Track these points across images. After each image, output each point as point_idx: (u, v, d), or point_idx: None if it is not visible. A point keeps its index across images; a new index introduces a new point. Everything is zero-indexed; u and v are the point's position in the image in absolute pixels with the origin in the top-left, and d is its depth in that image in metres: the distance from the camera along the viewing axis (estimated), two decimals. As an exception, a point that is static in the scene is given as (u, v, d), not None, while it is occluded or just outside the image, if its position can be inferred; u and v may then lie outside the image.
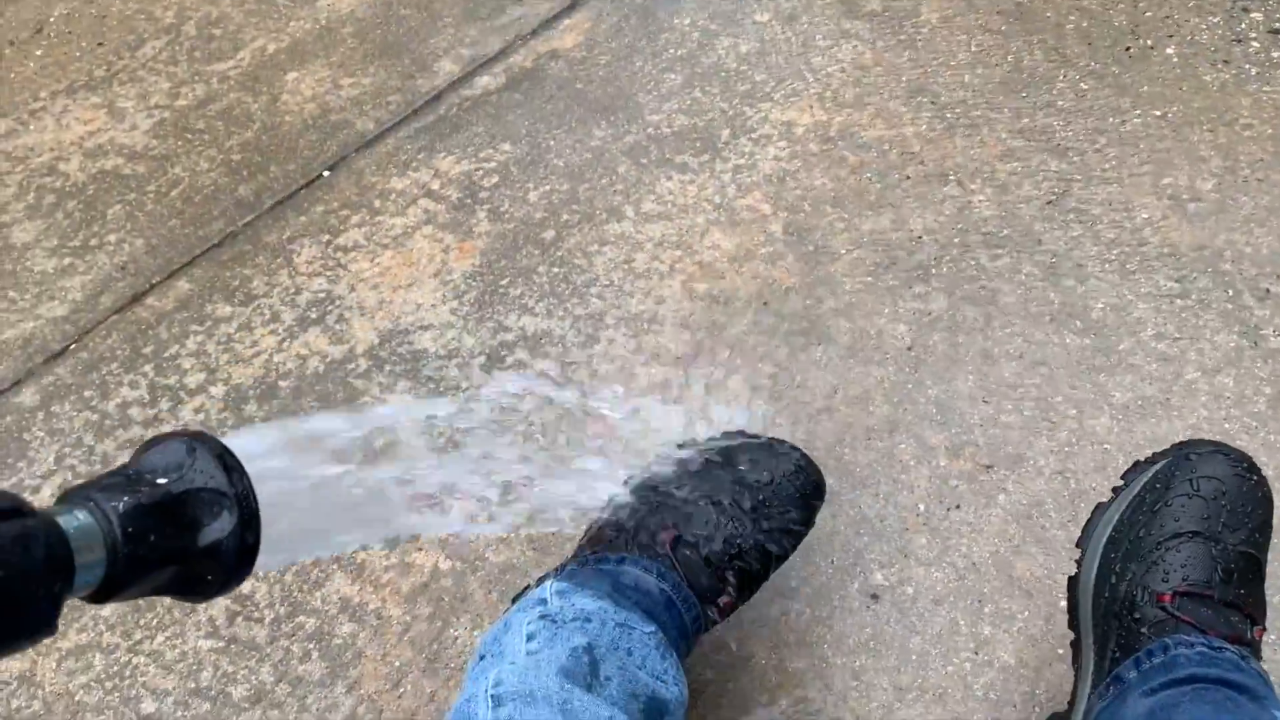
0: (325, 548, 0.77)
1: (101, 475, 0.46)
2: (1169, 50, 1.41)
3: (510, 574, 1.01)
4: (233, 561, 0.45)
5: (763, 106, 1.43)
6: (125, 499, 0.43)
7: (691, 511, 0.81)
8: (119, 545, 0.42)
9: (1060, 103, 1.36)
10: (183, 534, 0.44)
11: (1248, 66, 1.37)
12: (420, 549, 1.04)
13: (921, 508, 1.00)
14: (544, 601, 0.74)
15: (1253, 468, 0.77)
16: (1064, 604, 0.93)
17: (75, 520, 0.41)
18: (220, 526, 0.45)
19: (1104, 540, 0.80)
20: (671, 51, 1.54)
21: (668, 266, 1.26)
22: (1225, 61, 1.38)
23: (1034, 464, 1.02)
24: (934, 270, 1.19)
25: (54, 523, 0.41)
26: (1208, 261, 1.16)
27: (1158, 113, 1.33)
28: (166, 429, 1.19)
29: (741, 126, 1.41)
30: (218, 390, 1.22)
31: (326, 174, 1.44)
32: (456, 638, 0.98)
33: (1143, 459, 0.83)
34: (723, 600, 0.81)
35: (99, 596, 0.43)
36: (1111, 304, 1.13)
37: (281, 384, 1.21)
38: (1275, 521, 0.78)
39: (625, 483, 0.84)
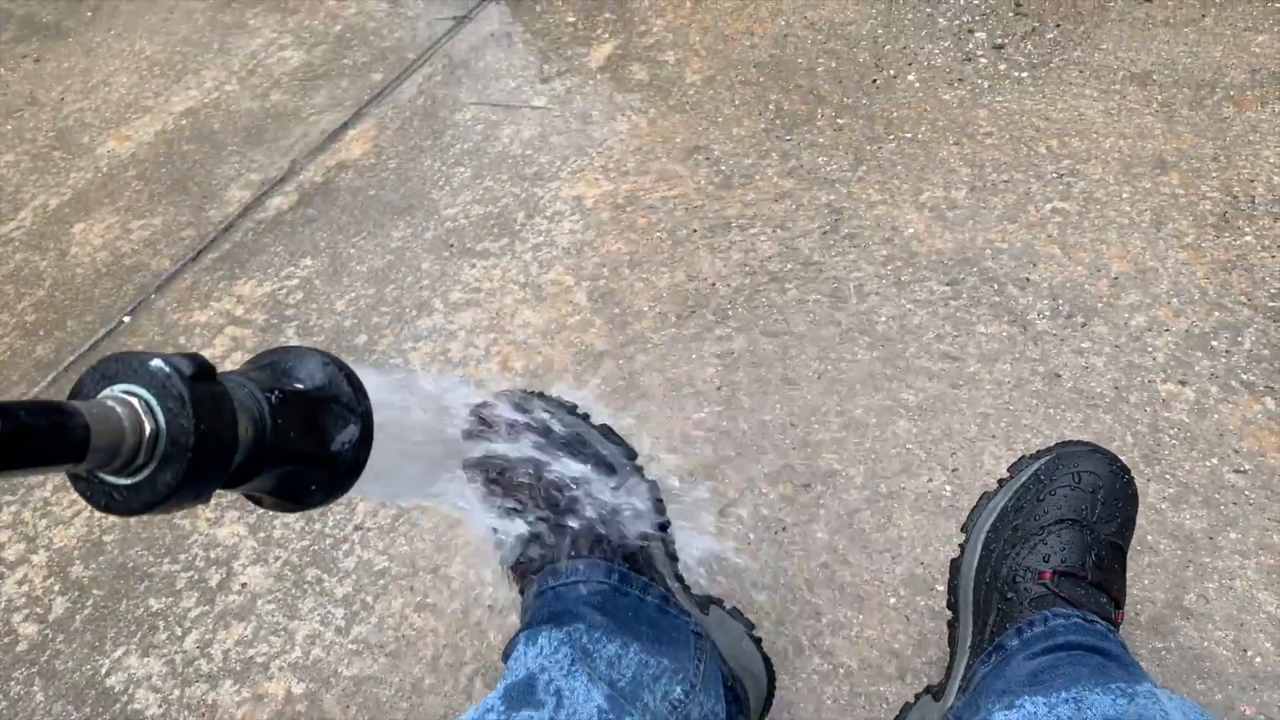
0: (396, 494, 0.77)
1: (248, 366, 0.46)
2: (910, 77, 1.54)
3: (365, 685, 1.01)
4: (343, 474, 0.46)
5: (552, 185, 1.49)
6: (277, 392, 0.43)
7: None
8: (267, 432, 0.42)
9: (821, 140, 1.46)
10: (311, 436, 0.45)
11: (980, 81, 1.51)
12: (270, 678, 1.03)
13: (751, 537, 1.05)
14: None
15: (1125, 469, 0.86)
16: (893, 601, 0.99)
17: (237, 399, 0.41)
18: (343, 438, 0.46)
19: (988, 526, 0.86)
20: (458, 146, 1.59)
21: (483, 350, 1.29)
22: (960, 80, 1.52)
23: (845, 475, 1.08)
24: (730, 312, 1.26)
25: (231, 396, 0.40)
26: (972, 262, 1.26)
27: (908, 135, 1.44)
28: (-13, 608, 1.14)
29: (535, 207, 1.46)
30: (40, 558, 1.18)
31: (126, 319, 1.42)
32: (319, 758, 0.97)
33: (1027, 454, 0.90)
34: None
35: (226, 482, 0.42)
36: (893, 315, 1.21)
37: (106, 539, 1.18)
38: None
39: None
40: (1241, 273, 1.19)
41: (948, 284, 1.24)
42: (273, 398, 0.43)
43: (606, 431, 0.90)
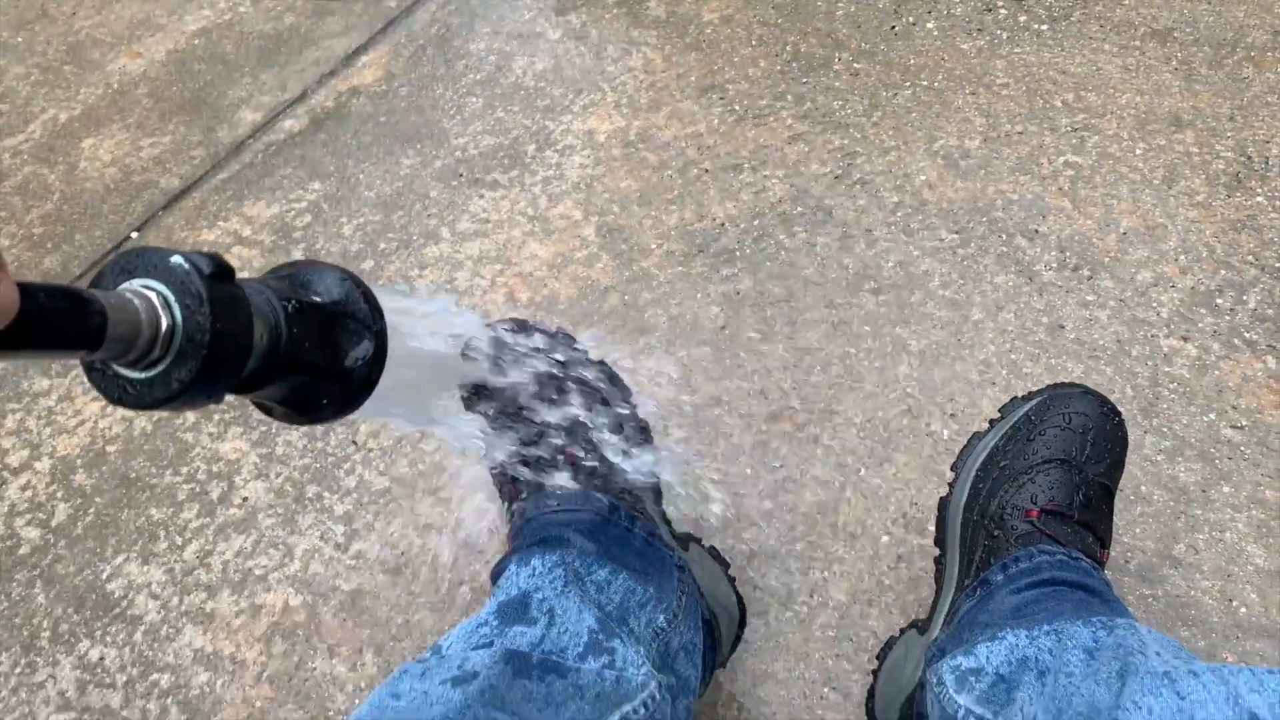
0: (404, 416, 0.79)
1: (267, 276, 0.46)
2: (929, 25, 1.52)
3: (361, 599, 1.02)
4: (355, 390, 0.46)
5: (564, 119, 1.48)
6: (294, 302, 0.44)
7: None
8: (282, 340, 0.43)
9: (837, 84, 1.45)
10: (326, 349, 0.46)
11: (999, 32, 1.49)
12: (269, 589, 1.04)
13: (749, 472, 1.06)
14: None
15: (1115, 410, 0.86)
16: (885, 540, 1.00)
17: (254, 304, 0.42)
18: (357, 354, 0.46)
19: (978, 464, 0.87)
20: (471, 76, 1.58)
21: (489, 281, 1.29)
22: (979, 30, 1.50)
23: (845, 416, 1.08)
24: (738, 253, 1.26)
25: (249, 300, 0.41)
26: (981, 211, 1.26)
27: (925, 83, 1.43)
28: (-9, 511, 1.16)
29: (546, 140, 1.46)
30: (43, 465, 1.19)
31: (134, 235, 1.42)
32: (315, 669, 0.98)
33: (1019, 395, 0.90)
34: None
35: (239, 386, 0.43)
36: (900, 261, 1.21)
37: (109, 449, 1.19)
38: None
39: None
40: (1251, 233, 1.19)
41: (956, 232, 1.24)
42: (289, 307, 0.44)
43: (601, 366, 0.91)
